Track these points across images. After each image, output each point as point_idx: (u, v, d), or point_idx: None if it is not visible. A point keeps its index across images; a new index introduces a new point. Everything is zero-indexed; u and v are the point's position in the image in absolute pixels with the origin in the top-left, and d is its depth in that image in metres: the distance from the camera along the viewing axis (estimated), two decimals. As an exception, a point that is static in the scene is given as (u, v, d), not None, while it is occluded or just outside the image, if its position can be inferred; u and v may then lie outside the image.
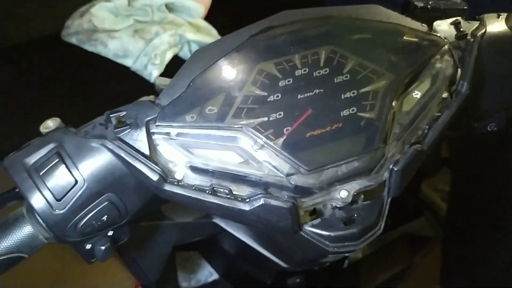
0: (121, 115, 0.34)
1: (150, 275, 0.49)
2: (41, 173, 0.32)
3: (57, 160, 0.32)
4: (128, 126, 0.33)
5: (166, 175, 0.33)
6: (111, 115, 0.33)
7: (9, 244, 0.33)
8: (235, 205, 0.33)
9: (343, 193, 0.35)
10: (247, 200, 0.33)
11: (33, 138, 0.34)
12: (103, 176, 0.33)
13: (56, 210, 0.32)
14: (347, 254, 0.68)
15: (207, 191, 0.33)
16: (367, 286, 0.74)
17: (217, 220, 0.51)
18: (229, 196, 0.33)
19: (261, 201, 0.33)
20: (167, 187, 0.33)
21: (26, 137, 0.34)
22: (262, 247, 0.50)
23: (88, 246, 0.36)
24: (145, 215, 0.38)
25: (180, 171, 0.34)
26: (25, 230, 0.33)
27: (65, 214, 0.32)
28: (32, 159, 0.32)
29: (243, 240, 0.51)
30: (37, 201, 0.32)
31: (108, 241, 0.36)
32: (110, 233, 0.37)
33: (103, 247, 0.36)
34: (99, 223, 0.34)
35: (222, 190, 0.33)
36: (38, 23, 1.15)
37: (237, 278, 0.74)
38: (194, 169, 0.34)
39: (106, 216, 0.34)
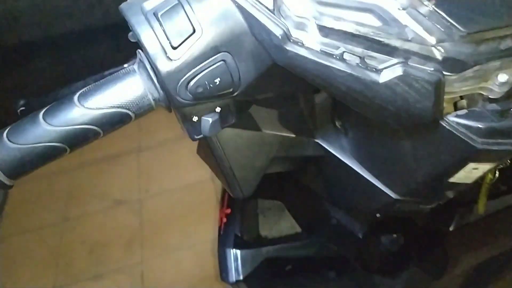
0: None
1: (243, 187, 0.46)
2: (159, 17, 0.29)
3: (176, 2, 0.29)
4: None
5: (290, 33, 0.29)
6: None
7: (117, 97, 0.31)
8: (367, 76, 0.28)
9: (502, 77, 0.28)
10: (382, 70, 0.28)
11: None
12: (222, 30, 0.30)
13: (171, 59, 0.29)
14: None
15: (335, 57, 0.29)
16: (467, 258, 0.65)
17: (320, 141, 0.46)
18: (360, 65, 0.28)
19: (400, 71, 0.27)
20: (290, 47, 0.29)
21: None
22: (369, 173, 0.44)
23: (195, 118, 0.33)
24: (254, 96, 0.35)
25: (307, 31, 0.29)
26: (134, 86, 0.31)
27: (179, 65, 0.29)
28: (151, 4, 0.30)
29: (346, 166, 0.46)
30: (152, 46, 0.29)
31: (216, 115, 0.33)
32: (218, 109, 0.34)
33: (210, 119, 0.33)
34: (211, 85, 0.31)
35: (353, 57, 0.29)
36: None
37: (324, 231, 0.69)
38: (324, 29, 0.29)
39: (219, 78, 0.31)
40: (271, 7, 0.29)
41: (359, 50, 0.29)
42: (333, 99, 0.43)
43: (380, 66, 0.28)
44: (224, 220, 0.63)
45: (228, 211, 0.64)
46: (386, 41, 0.28)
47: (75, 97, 0.31)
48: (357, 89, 0.29)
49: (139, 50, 0.31)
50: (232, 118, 0.35)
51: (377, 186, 0.44)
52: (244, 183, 0.46)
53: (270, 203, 0.72)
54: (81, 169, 1.74)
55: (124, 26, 0.30)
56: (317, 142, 0.46)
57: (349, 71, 0.28)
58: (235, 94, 0.32)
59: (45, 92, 0.42)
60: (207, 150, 0.45)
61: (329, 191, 0.55)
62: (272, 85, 0.35)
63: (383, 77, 0.28)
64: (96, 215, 1.61)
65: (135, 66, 0.32)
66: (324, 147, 0.46)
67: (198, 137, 0.34)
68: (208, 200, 1.57)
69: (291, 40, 0.29)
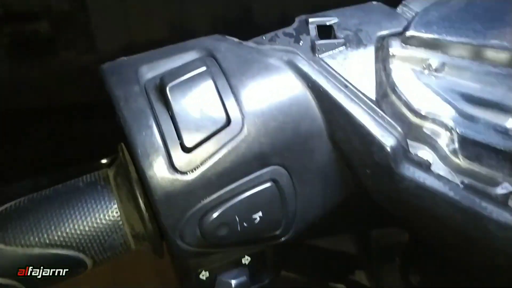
0: (328, 22, 0.18)
1: None
2: (166, 91, 0.16)
3: (202, 69, 0.16)
4: (341, 41, 0.17)
5: (407, 146, 0.16)
6: (309, 20, 0.18)
7: (65, 228, 0.16)
8: None
9: None
10: None
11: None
12: (278, 127, 0.16)
13: (177, 171, 0.15)
14: None
15: (494, 198, 0.15)
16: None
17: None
18: None
19: None
20: (406, 170, 0.15)
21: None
22: None
23: (205, 275, 0.18)
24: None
25: (435, 146, 0.16)
26: (102, 211, 0.17)
27: (191, 182, 0.15)
28: (155, 68, 0.17)
29: None
30: (146, 141, 0.15)
31: (244, 273, 0.19)
32: (247, 259, 0.19)
33: (232, 282, 0.18)
34: (245, 223, 0.16)
35: None
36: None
37: None
38: (472, 145, 0.16)
39: (260, 213, 0.16)
40: (372, 95, 0.16)
41: None
42: (415, 243, 0.28)
43: None
44: None
45: None
46: None
47: None
48: None
49: (123, 145, 0.18)
50: (267, 275, 0.20)
51: None
52: None
53: None
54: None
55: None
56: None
57: None
58: (283, 239, 0.18)
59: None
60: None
61: None
62: (339, 226, 0.20)
63: None
64: None
65: (111, 173, 0.18)
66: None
67: None
68: None
69: (409, 158, 0.15)
